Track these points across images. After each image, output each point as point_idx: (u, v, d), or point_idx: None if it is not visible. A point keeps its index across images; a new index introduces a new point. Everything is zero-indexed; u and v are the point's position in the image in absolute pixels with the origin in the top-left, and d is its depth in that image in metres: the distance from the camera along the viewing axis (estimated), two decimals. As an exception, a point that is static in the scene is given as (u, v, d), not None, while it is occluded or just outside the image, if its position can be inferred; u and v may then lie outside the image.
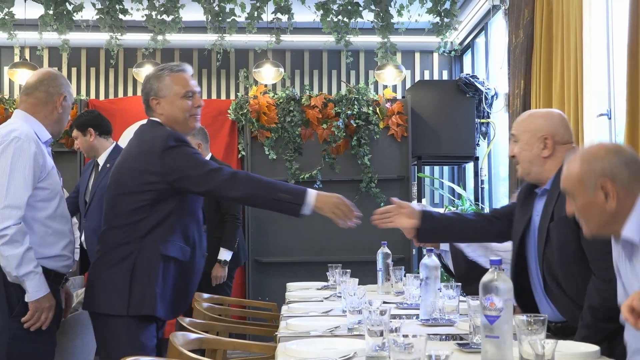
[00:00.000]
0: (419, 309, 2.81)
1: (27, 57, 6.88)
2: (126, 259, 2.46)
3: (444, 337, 2.37)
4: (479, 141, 6.69)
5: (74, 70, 7.12)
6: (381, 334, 1.83)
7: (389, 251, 3.81)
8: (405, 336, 1.55)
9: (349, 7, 5.96)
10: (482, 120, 6.64)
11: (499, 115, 6.59)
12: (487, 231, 2.86)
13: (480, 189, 6.77)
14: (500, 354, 1.82)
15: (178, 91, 2.56)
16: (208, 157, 4.51)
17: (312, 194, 2.51)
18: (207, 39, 6.13)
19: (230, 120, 6.25)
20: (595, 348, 1.83)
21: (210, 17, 5.85)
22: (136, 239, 2.47)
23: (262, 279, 6.20)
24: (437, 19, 6.13)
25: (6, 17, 5.75)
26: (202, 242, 2.74)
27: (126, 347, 2.38)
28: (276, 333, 2.46)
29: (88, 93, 7.34)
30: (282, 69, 6.62)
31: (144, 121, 3.01)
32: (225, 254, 4.59)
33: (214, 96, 7.30)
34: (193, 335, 2.48)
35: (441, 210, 5.08)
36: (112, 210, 2.56)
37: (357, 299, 2.78)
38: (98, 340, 2.58)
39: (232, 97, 7.06)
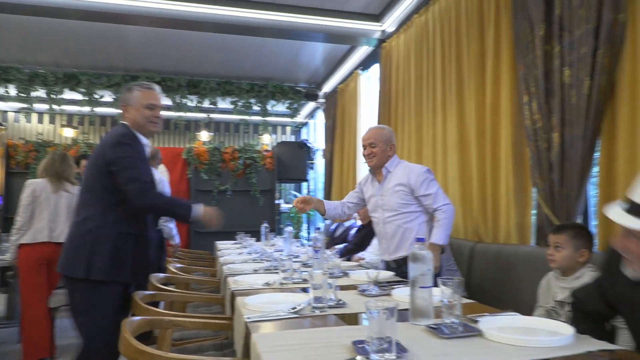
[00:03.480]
0: (282, 251, 3.35)
1: (65, 121, 7.33)
2: (91, 232, 2.07)
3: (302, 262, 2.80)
4: (308, 171, 7.64)
5: (92, 128, 7.45)
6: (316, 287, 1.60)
7: (267, 225, 4.54)
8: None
9: (247, 103, 7.17)
10: (310, 162, 7.68)
11: (318, 160, 7.75)
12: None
13: (309, 195, 8.09)
14: (319, 265, 2.18)
15: (142, 102, 2.22)
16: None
17: (197, 208, 2.25)
18: (171, 114, 6.97)
19: (183, 158, 6.91)
20: None
21: (173, 103, 6.86)
22: (99, 215, 2.09)
23: (198, 241, 6.67)
24: (291, 111, 7.57)
25: (58, 97, 6.49)
26: (154, 220, 2.41)
27: (92, 305, 2.04)
28: (230, 288, 2.13)
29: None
30: (212, 133, 7.60)
31: None
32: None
33: (171, 145, 7.82)
34: (148, 292, 2.20)
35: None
36: (85, 188, 2.18)
37: (261, 247, 3.68)
38: (70, 300, 2.12)
39: (182, 146, 7.60)
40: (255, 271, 2.65)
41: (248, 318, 1.49)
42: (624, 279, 1.23)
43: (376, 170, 2.71)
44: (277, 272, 2.47)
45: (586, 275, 1.94)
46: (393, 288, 1.96)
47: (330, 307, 1.62)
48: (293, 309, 1.57)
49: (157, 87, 2.34)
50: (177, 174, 6.87)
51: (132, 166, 2.09)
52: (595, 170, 2.38)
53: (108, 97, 6.75)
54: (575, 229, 2.02)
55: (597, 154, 2.37)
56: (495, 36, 3.13)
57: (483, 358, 1.09)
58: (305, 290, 2.01)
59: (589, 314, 1.48)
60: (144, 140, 2.27)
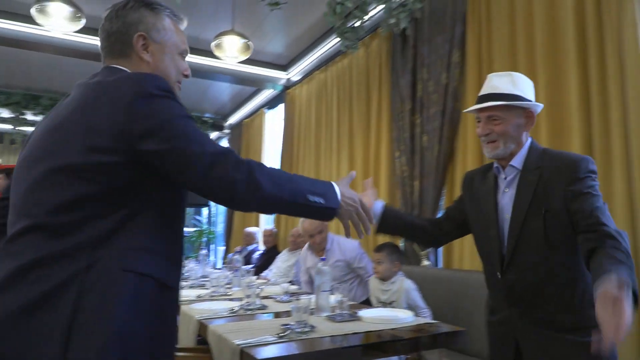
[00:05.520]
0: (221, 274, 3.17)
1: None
2: (68, 285, 0.89)
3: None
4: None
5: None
6: (248, 296, 2.13)
7: (205, 252, 4.24)
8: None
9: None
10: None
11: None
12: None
13: (210, 220, 8.49)
14: (238, 282, 3.61)
15: (178, 44, 1.19)
16: None
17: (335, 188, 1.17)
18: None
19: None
20: None
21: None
22: (87, 249, 0.92)
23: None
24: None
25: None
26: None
27: None
28: (195, 317, 2.01)
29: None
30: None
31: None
32: None
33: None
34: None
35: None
36: (35, 198, 0.95)
37: (202, 268, 3.73)
38: None
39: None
40: (200, 297, 2.62)
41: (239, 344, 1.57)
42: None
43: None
44: (221, 298, 2.56)
45: (399, 280, 2.54)
46: (299, 296, 2.67)
47: (258, 308, 2.29)
48: (231, 311, 2.20)
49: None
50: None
51: (203, 134, 1.03)
52: (442, 211, 3.37)
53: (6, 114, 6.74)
54: (390, 248, 2.57)
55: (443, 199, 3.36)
56: (378, 102, 4.10)
57: (360, 328, 1.86)
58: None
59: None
60: None
